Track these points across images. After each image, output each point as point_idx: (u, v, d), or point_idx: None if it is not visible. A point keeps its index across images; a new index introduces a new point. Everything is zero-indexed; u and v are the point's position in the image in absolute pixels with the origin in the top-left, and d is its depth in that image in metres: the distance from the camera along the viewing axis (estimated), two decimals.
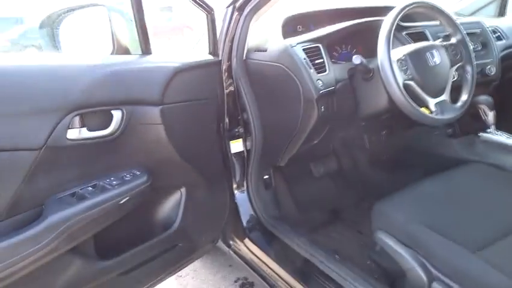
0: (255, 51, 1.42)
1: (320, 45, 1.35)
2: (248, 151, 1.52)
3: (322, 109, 1.28)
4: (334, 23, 1.47)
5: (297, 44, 1.31)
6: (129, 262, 1.13)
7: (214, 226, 1.39)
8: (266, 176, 1.63)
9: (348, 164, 1.98)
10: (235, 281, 1.88)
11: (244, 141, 1.51)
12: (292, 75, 1.28)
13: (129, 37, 1.18)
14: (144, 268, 1.17)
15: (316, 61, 1.32)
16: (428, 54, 1.28)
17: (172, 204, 1.24)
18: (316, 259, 1.28)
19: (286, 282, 1.31)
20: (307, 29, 1.51)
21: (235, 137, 1.49)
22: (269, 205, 1.56)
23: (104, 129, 1.01)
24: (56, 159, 0.93)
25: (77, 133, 0.96)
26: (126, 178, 1.04)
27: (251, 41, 1.43)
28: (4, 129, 0.84)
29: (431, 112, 1.26)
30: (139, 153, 1.10)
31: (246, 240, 1.47)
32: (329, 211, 1.83)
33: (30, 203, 0.91)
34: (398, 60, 1.23)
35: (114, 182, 1.01)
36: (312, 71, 1.28)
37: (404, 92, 1.20)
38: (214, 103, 1.31)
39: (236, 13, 1.37)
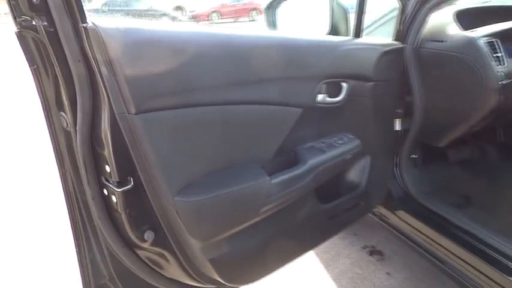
0: (430, 40, 1.56)
1: (497, 40, 1.48)
2: (404, 131, 1.68)
3: (501, 98, 1.41)
4: (502, 21, 1.59)
5: (480, 37, 1.44)
6: (334, 210, 1.35)
7: (382, 192, 1.58)
8: (413, 156, 1.79)
9: (478, 154, 2.10)
10: (363, 248, 2.08)
11: (402, 122, 1.68)
12: (474, 65, 1.42)
13: (341, 21, 1.38)
14: (341, 217, 1.39)
15: (494, 55, 1.45)
16: None
17: (360, 168, 1.44)
18: (477, 232, 1.43)
19: (445, 248, 1.47)
20: (478, 23, 1.63)
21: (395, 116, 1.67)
22: (418, 182, 1.73)
23: (336, 97, 1.22)
24: (307, 117, 1.15)
25: (321, 98, 1.18)
26: (345, 140, 1.26)
27: (424, 31, 1.58)
28: (288, 89, 1.08)
29: None
30: (351, 120, 1.31)
31: (400, 212, 1.65)
32: (460, 195, 1.96)
33: (285, 149, 1.14)
34: None
35: (340, 142, 1.22)
36: (493, 63, 1.41)
37: None
38: (397, 84, 1.48)
39: (418, 6, 1.52)
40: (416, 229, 1.59)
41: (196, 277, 1.06)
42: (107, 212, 0.90)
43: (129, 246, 0.95)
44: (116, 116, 0.79)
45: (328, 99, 1.20)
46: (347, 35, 1.39)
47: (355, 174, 1.44)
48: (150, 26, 0.83)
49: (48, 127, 0.85)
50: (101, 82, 0.76)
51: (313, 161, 1.12)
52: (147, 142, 0.82)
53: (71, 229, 0.93)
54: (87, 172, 0.85)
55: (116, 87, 0.76)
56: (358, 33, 1.34)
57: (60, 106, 0.82)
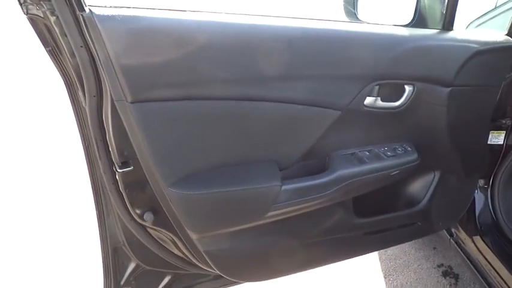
0: None
1: None
2: (509, 146, 1.38)
3: None
4: None
5: None
6: (374, 226, 1.21)
7: (454, 215, 1.35)
8: None
9: None
10: (438, 266, 1.83)
11: (507, 135, 1.38)
12: None
13: (433, 9, 1.15)
14: (383, 235, 1.25)
15: None
16: None
17: (422, 184, 1.25)
18: None
19: None
20: None
21: (497, 128, 1.37)
22: None
23: (394, 101, 1.05)
24: (349, 121, 1.02)
25: (372, 101, 1.02)
26: (398, 151, 1.08)
27: None
28: (322, 88, 0.96)
29: None
30: (414, 129, 1.12)
31: (477, 238, 1.39)
32: None
33: (317, 153, 1.04)
34: None
35: (389, 153, 1.06)
36: None
37: None
38: (497, 91, 1.20)
39: None
40: (493, 267, 1.33)
41: (201, 261, 1.07)
42: (117, 187, 0.95)
43: (135, 221, 1.01)
44: (115, 102, 0.81)
45: (381, 104, 1.03)
46: (439, 27, 1.15)
47: (412, 190, 1.24)
48: (153, 14, 0.80)
49: (71, 103, 0.91)
50: (101, 69, 0.79)
51: (343, 172, 1.00)
52: (142, 131, 0.83)
53: (93, 196, 1.02)
54: (98, 149, 0.90)
55: (114, 74, 0.78)
56: (448, 24, 1.10)
57: (77, 85, 0.87)
